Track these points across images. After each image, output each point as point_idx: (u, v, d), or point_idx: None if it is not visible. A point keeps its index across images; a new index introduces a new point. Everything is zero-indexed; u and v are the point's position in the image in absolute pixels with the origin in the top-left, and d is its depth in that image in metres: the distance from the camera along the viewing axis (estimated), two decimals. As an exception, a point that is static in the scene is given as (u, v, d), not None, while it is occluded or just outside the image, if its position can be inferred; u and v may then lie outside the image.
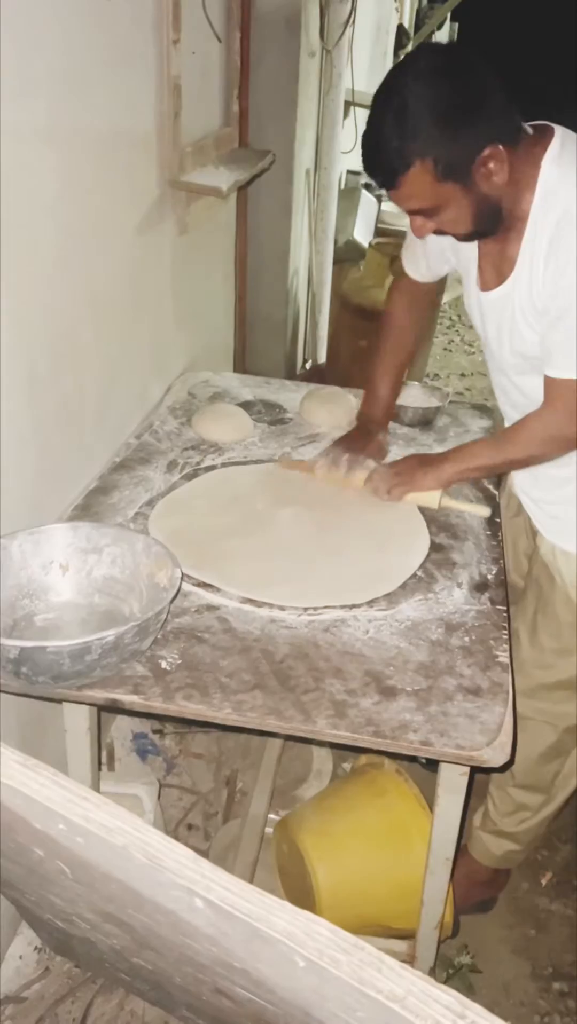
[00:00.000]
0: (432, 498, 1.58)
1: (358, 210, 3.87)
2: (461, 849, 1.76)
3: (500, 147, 1.20)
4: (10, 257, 1.26)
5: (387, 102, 1.20)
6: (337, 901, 1.51)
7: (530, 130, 1.26)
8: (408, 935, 1.51)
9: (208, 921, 0.65)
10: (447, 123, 1.17)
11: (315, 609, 1.32)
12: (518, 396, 1.46)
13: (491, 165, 1.21)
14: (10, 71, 1.19)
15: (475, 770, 1.19)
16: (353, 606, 1.33)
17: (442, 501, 1.58)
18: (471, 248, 1.41)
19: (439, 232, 1.34)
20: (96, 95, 1.47)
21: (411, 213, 1.30)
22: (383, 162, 1.23)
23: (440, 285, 1.68)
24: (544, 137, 1.25)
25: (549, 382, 1.33)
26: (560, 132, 1.26)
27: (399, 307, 1.72)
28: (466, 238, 1.36)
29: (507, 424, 1.53)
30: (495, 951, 1.70)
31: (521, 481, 1.56)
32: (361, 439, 1.71)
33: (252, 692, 1.16)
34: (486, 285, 1.39)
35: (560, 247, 1.23)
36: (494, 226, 1.30)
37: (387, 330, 1.74)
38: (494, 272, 1.36)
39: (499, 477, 1.69)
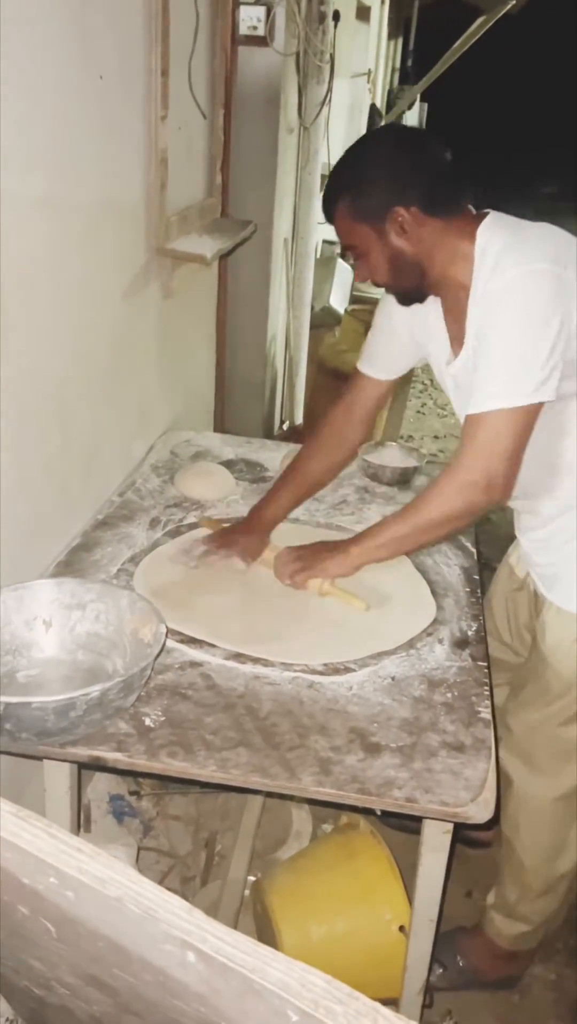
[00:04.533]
0: (317, 584, 1.48)
1: (334, 278, 3.99)
2: (476, 926, 1.73)
3: (413, 209, 1.32)
4: (7, 319, 1.29)
5: (346, 152, 1.40)
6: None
7: (473, 212, 1.37)
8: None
9: (199, 977, 0.65)
10: (371, 174, 1.35)
11: (303, 666, 1.33)
12: None
13: (400, 222, 1.33)
14: (12, 146, 1.24)
15: (458, 827, 1.19)
16: (345, 667, 1.34)
17: (323, 587, 1.48)
18: (439, 326, 1.45)
19: (377, 283, 1.44)
20: (89, 167, 1.53)
21: (344, 249, 1.43)
22: (325, 195, 1.41)
23: (388, 390, 1.63)
24: (480, 217, 1.35)
25: (465, 423, 1.30)
26: (493, 213, 1.36)
27: (335, 423, 1.65)
28: (399, 296, 1.46)
29: None
30: (479, 1017, 1.67)
31: (527, 547, 1.52)
32: (242, 537, 1.63)
33: (236, 749, 1.16)
34: (451, 357, 1.43)
35: (487, 294, 1.28)
36: (417, 286, 1.40)
37: (309, 444, 1.68)
38: (456, 344, 1.40)
39: (477, 550, 1.70)
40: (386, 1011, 0.57)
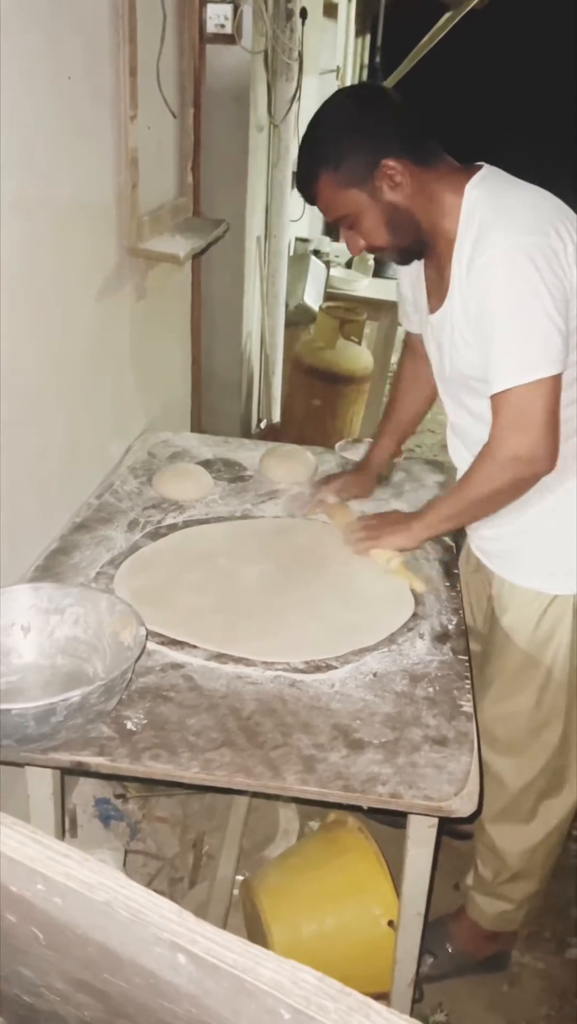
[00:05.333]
0: (385, 559, 1.56)
1: (308, 275, 3.99)
2: (460, 910, 1.75)
3: (400, 160, 1.32)
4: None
5: (308, 128, 1.39)
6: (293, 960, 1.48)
7: (456, 163, 1.38)
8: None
9: (190, 978, 0.65)
10: (346, 138, 1.33)
11: (285, 664, 1.33)
12: (472, 426, 1.45)
13: (390, 175, 1.32)
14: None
15: (444, 822, 1.19)
16: (327, 664, 1.34)
17: (391, 564, 1.55)
18: (420, 276, 1.49)
19: (371, 250, 1.44)
20: (59, 168, 1.52)
21: (335, 223, 1.42)
22: (302, 176, 1.40)
23: None
24: (471, 170, 1.35)
25: (492, 403, 1.32)
26: (486, 167, 1.36)
27: (406, 368, 1.79)
28: (397, 256, 1.47)
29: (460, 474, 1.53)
30: (469, 1007, 1.68)
31: (475, 523, 1.54)
32: (349, 476, 1.85)
33: (220, 750, 1.16)
34: (432, 309, 1.46)
35: (475, 267, 1.28)
36: (415, 242, 1.40)
37: (393, 391, 1.85)
38: (437, 297, 1.43)
39: (457, 532, 1.72)
40: (378, 1006, 0.57)
